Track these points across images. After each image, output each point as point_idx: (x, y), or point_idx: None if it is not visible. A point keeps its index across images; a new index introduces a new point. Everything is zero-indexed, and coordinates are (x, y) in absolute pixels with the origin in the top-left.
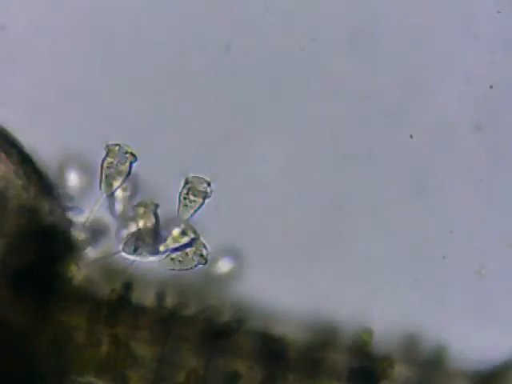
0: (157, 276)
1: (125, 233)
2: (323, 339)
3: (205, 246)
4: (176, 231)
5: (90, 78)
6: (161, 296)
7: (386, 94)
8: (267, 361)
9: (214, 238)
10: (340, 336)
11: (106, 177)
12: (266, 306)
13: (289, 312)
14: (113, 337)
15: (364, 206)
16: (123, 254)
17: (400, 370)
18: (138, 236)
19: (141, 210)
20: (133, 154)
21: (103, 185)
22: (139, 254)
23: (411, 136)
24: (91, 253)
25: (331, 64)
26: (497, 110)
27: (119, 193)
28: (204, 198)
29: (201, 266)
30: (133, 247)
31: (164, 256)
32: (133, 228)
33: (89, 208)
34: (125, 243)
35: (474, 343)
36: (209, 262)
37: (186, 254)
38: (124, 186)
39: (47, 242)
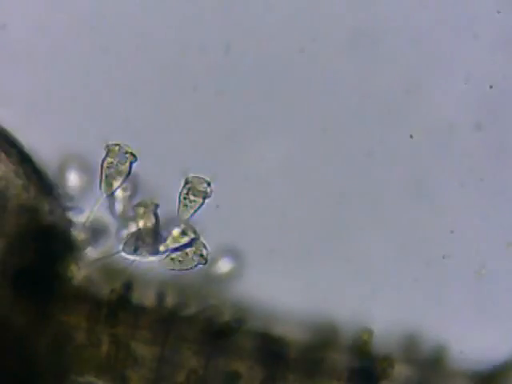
0: (157, 276)
1: (125, 233)
2: (323, 339)
3: (205, 246)
4: (176, 231)
5: (90, 78)
6: (161, 296)
7: (385, 94)
8: (267, 361)
9: (214, 238)
10: (340, 336)
11: (106, 177)
12: (265, 305)
13: (289, 312)
14: (113, 337)
15: (364, 206)
16: (123, 253)
17: (400, 370)
18: (137, 236)
19: (141, 210)
20: (133, 154)
21: (103, 185)
22: (139, 254)
23: (411, 136)
24: (91, 253)
25: (331, 64)
26: (497, 110)
27: (119, 193)
28: (204, 198)
29: (201, 265)
30: (133, 247)
31: (164, 256)
32: (133, 228)
33: (89, 208)
34: (125, 243)
35: (474, 343)
36: (209, 261)
37: (186, 253)
38: (124, 185)
39: (47, 241)
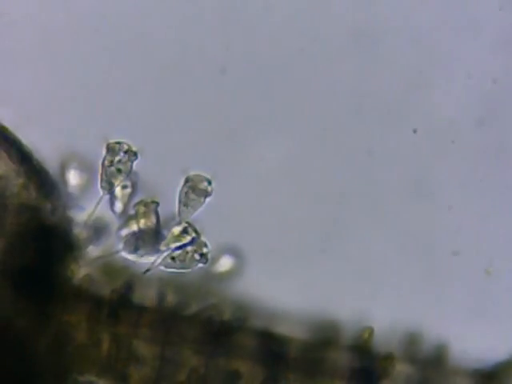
0: (157, 275)
1: (125, 232)
2: (324, 338)
3: (205, 245)
4: (176, 230)
5: (90, 77)
6: (161, 295)
7: (385, 93)
8: (268, 360)
9: (214, 238)
10: (341, 335)
11: (107, 175)
12: (266, 305)
13: (289, 311)
14: (114, 336)
15: (364, 206)
16: (124, 252)
17: (401, 369)
18: (138, 235)
19: (141, 209)
20: (134, 153)
21: (104, 183)
22: (140, 253)
23: (415, 131)
24: (92, 252)
25: (331, 63)
26: (500, 106)
27: (120, 191)
28: (205, 197)
29: (201, 264)
30: (133, 246)
31: (165, 255)
32: (133, 227)
33: (89, 206)
34: (125, 242)
35: (476, 342)
36: (209, 260)
37: (187, 252)
38: (124, 184)
39: (48, 240)
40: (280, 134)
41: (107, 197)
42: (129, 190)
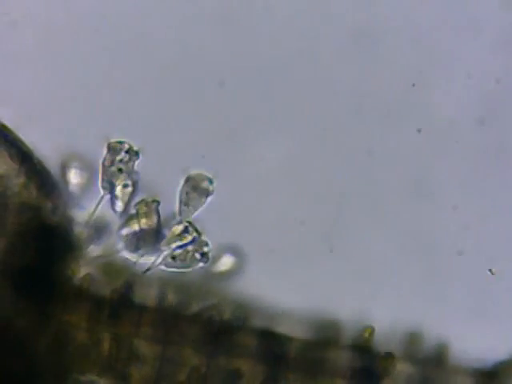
0: (158, 274)
1: (126, 231)
2: (325, 338)
3: (206, 244)
4: (177, 229)
5: (90, 77)
6: (162, 294)
7: (385, 93)
8: (269, 359)
9: (215, 237)
10: (341, 334)
11: (108, 175)
12: (267, 304)
13: (290, 311)
14: (114, 335)
15: (364, 206)
16: (124, 252)
17: (402, 368)
18: (139, 234)
19: (142, 208)
20: (135, 152)
21: (104, 183)
22: (140, 253)
23: (419, 130)
24: (93, 251)
25: (331, 63)
26: (500, 105)
27: (120, 191)
28: (206, 196)
29: (202, 264)
30: (134, 245)
31: (165, 254)
32: (134, 226)
33: (90, 206)
34: (126, 241)
35: (476, 342)
36: (210, 260)
37: (188, 252)
38: (125, 183)
39: (48, 240)
40: (280, 134)
41: (108, 196)
42: (129, 190)
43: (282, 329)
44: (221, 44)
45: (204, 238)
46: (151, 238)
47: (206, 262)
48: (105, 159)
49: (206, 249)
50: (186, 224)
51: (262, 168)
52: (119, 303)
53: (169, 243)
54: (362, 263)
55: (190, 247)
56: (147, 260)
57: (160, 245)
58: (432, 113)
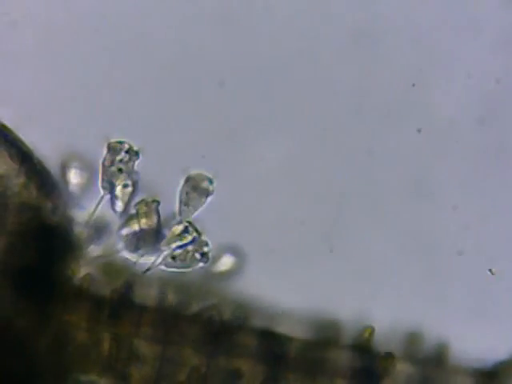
0: (158, 274)
1: (126, 231)
2: (325, 338)
3: (206, 244)
4: (177, 229)
5: (90, 77)
6: (162, 294)
7: (385, 93)
8: (269, 359)
9: (215, 237)
10: (342, 334)
11: (108, 174)
12: (267, 304)
13: (290, 310)
14: (114, 335)
15: (366, 204)
16: (124, 252)
17: (402, 368)
18: (139, 234)
19: (142, 208)
20: (135, 152)
21: (104, 183)
22: (140, 253)
23: (419, 130)
24: (93, 251)
25: (331, 63)
26: (500, 105)
27: (120, 191)
28: (206, 196)
29: (202, 263)
30: (134, 245)
31: (165, 254)
32: (134, 226)
33: (90, 206)
34: (126, 241)
35: (477, 342)
36: (210, 260)
37: (188, 251)
38: (125, 183)
39: (48, 240)
40: (280, 134)
41: (108, 196)
42: (129, 190)
43: (282, 329)
44: (221, 44)
45: (204, 237)
46: (151, 238)
47: (206, 262)
48: (105, 159)
49: (206, 249)
50: (186, 224)
51: (262, 168)
52: (119, 303)
53: (169, 243)
54: (362, 263)
55: (190, 247)
56: (147, 260)
57: (160, 245)
58: (432, 113)
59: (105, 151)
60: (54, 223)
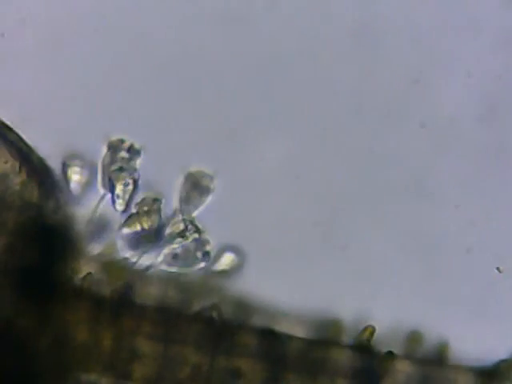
0: (159, 273)
1: (127, 230)
2: (326, 337)
3: (207, 243)
4: (178, 228)
5: (90, 77)
6: (163, 293)
7: (387, 91)
8: (269, 359)
9: (215, 237)
10: (342, 334)
11: (109, 173)
12: (267, 303)
13: (290, 310)
14: (115, 334)
15: (366, 204)
16: (125, 251)
17: (402, 368)
18: (140, 233)
19: (144, 207)
20: (136, 150)
21: (105, 181)
22: (141, 251)
23: (422, 126)
24: (94, 250)
25: (331, 63)
26: (500, 105)
27: (121, 189)
28: (207, 194)
29: (203, 262)
30: (135, 244)
31: (166, 253)
32: (135, 225)
33: (91, 205)
34: (127, 240)
35: (478, 342)
36: (211, 258)
37: (189, 250)
38: (126, 182)
39: (49, 239)
40: (280, 134)
41: (109, 195)
42: (130, 188)
43: (283, 328)
44: (221, 44)
45: (205, 236)
46: (152, 237)
47: (206, 261)
48: (105, 157)
49: (207, 248)
50: (187, 223)
51: (262, 168)
52: (120, 302)
53: (170, 242)
54: (362, 263)
55: (191, 246)
56: (148, 259)
57: (161, 244)
58: (432, 112)
59: (105, 149)
60: (55, 222)
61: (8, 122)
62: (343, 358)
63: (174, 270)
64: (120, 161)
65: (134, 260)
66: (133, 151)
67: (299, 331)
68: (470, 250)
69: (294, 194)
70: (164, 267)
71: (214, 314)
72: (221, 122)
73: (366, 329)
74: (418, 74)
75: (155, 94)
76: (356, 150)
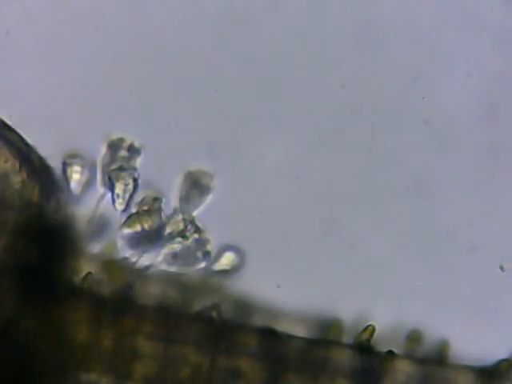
0: (159, 272)
1: (127, 229)
2: (326, 337)
3: (208, 243)
4: (179, 227)
5: (90, 77)
6: (163, 293)
7: (387, 91)
8: (270, 358)
9: (216, 237)
10: (342, 334)
11: (109, 172)
12: (267, 303)
13: (291, 310)
14: (116, 334)
15: (366, 204)
16: (126, 250)
17: (402, 367)
18: (140, 232)
19: (144, 206)
20: (136, 149)
21: (105, 180)
22: (142, 251)
23: (426, 122)
24: (94, 249)
25: (332, 62)
26: (500, 104)
27: (121, 188)
28: (206, 193)
29: (204, 262)
30: (135, 244)
31: (167, 253)
32: (136, 224)
33: (91, 204)
34: (127, 240)
35: (478, 342)
36: (211, 258)
37: (189, 250)
38: (126, 181)
39: (50, 238)
40: (280, 134)
41: (109, 194)
42: (130, 187)
43: (283, 328)
44: (221, 44)
45: (205, 236)
46: (152, 237)
47: (207, 261)
48: (105, 157)
49: (207, 247)
50: (188, 222)
51: (262, 168)
52: (120, 302)
53: (170, 241)
54: (362, 263)
55: (191, 246)
56: (148, 258)
57: (161, 243)
58: (432, 112)
59: (105, 149)
60: (55, 222)
61: (8, 122)
62: (343, 358)
63: (174, 269)
64: (120, 160)
65: (134, 260)
66: (133, 150)
67: (299, 331)
68: (470, 250)
69: (294, 194)
70: (164, 267)
71: (214, 314)
72: (221, 122)
73: (366, 328)
74: (418, 73)
75: (155, 93)
76: (356, 150)
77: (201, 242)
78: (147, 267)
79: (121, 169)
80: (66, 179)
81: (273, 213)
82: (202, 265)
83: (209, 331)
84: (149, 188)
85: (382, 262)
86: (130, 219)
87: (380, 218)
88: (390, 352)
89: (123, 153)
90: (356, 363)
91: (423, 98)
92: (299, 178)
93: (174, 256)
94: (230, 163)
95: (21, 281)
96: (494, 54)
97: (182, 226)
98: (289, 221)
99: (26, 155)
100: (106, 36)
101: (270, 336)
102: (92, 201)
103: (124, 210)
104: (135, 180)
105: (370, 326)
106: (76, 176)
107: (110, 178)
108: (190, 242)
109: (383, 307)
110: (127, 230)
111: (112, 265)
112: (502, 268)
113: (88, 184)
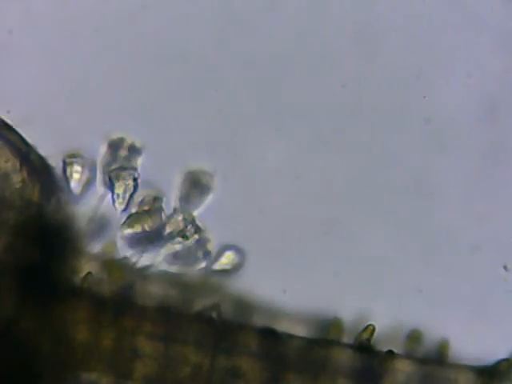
0: (160, 272)
1: (127, 229)
2: (326, 337)
3: (208, 242)
4: (179, 227)
5: (90, 77)
6: (164, 292)
7: (387, 91)
8: (270, 358)
9: (216, 237)
10: (342, 333)
11: (109, 172)
12: (267, 303)
13: (291, 310)
14: (116, 334)
15: (366, 204)
16: (126, 250)
17: (402, 367)
18: (141, 232)
19: (144, 206)
20: (137, 148)
21: (106, 180)
22: (142, 251)
23: (427, 121)
24: (94, 249)
25: (332, 62)
26: (500, 104)
27: (122, 188)
28: (207, 192)
29: (204, 261)
30: (136, 243)
31: (167, 252)
32: (136, 224)
33: (91, 204)
34: (128, 239)
35: (478, 341)
36: (212, 258)
37: (190, 250)
38: (127, 181)
39: (50, 238)
40: (280, 134)
41: (109, 194)
42: (130, 187)
43: (283, 328)
44: (221, 44)
45: (205, 236)
46: (153, 236)
47: (207, 260)
48: (106, 156)
49: (207, 247)
50: (188, 222)
51: (262, 168)
52: (120, 302)
53: (170, 241)
54: (362, 263)
55: (191, 245)
56: (148, 258)
57: (161, 243)
58: (432, 112)
59: (105, 148)
60: (55, 221)
61: (8, 122)
62: (343, 358)
63: (174, 269)
64: (120, 160)
65: (134, 259)
66: (133, 150)
67: (299, 331)
68: (472, 250)
69: (294, 194)
70: (164, 267)
71: (215, 314)
72: (221, 122)
73: (366, 328)
74: (419, 73)
75: (155, 93)
76: (356, 150)
77: (201, 242)
78: (147, 267)
79: (121, 169)
80: (67, 179)
81: (273, 213)
82: (203, 264)
83: (209, 331)
84: (149, 188)
85: (382, 262)
86: (130, 219)
87: (380, 218)
88: (390, 352)
89: (123, 152)
90: (356, 363)
91: (424, 96)
92: (299, 178)
93: (175, 256)
94: (230, 163)
95: (21, 281)
96: (494, 53)
97: (182, 225)
98: (289, 221)
99: (26, 155)
100: (106, 36)
101: (270, 336)
102: (92, 200)
103: (124, 210)
104: (135, 180)
105: (370, 325)
106: (76, 176)
107: (110, 178)
108: (190, 241)
109: (383, 307)
110: (127, 230)
111: (112, 265)
112: (505, 268)
113: (88, 184)
